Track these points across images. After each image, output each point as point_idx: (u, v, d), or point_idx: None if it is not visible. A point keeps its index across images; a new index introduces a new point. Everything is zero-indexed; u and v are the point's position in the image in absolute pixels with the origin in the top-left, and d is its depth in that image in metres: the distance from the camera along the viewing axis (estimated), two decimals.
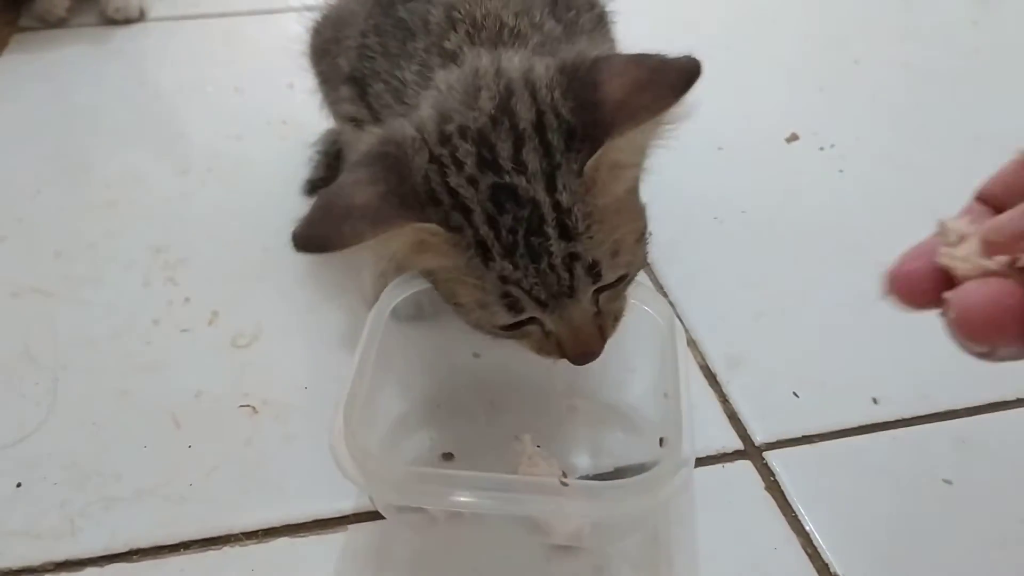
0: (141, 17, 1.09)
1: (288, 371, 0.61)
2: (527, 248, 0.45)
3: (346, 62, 0.61)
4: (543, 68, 0.47)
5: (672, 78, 0.44)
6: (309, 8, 0.70)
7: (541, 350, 0.50)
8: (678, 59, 0.44)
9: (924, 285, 0.32)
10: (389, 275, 0.60)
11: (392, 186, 0.45)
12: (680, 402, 0.48)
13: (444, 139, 0.46)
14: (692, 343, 0.63)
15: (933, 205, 0.81)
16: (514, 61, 0.49)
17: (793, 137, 0.86)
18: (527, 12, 0.54)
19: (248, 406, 0.58)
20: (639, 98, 0.44)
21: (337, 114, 0.68)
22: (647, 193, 0.51)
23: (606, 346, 0.49)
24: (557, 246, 0.45)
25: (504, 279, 0.46)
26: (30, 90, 0.96)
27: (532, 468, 0.51)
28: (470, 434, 0.56)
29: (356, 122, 0.62)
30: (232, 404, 0.58)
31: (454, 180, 0.45)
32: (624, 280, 0.49)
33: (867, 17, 1.11)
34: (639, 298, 0.56)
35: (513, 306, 0.46)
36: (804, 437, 0.56)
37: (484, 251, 0.45)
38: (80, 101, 0.94)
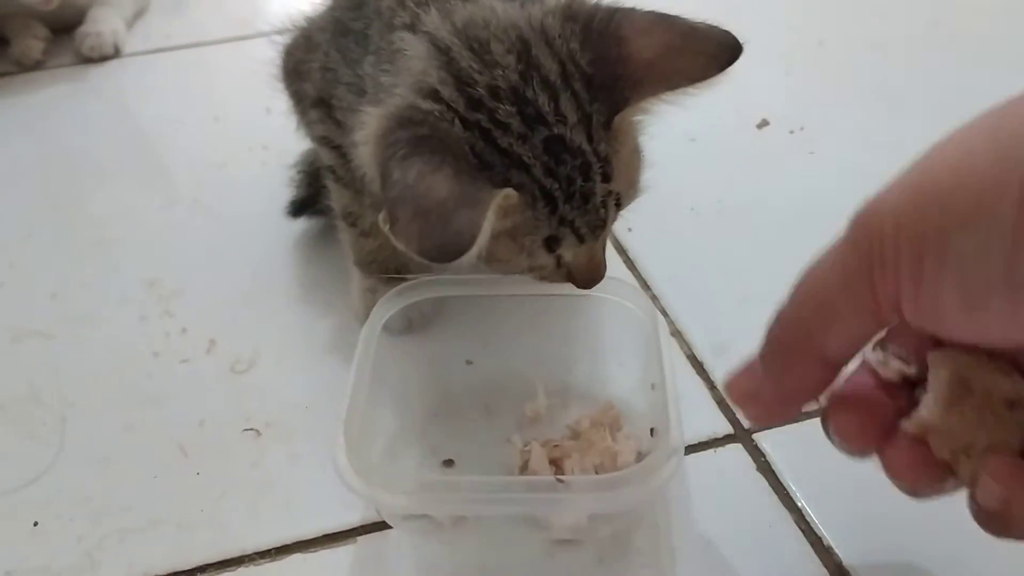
0: (116, 53, 1.10)
1: (288, 392, 0.62)
2: (581, 192, 0.47)
3: (312, 86, 0.63)
4: (548, 17, 0.48)
5: (711, 48, 0.45)
6: (280, 32, 0.72)
7: (547, 279, 0.53)
8: (710, 28, 0.46)
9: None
10: (378, 290, 0.62)
11: (452, 164, 0.44)
12: (667, 391, 0.50)
13: (475, 104, 0.46)
14: (677, 333, 0.65)
15: None
16: (502, 10, 0.49)
17: (764, 123, 0.88)
18: None
19: (252, 429, 0.60)
20: (674, 63, 0.46)
21: (311, 136, 0.70)
22: None
23: (592, 345, 0.51)
24: (600, 188, 0.48)
25: (562, 222, 0.48)
26: (12, 134, 0.97)
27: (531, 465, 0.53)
28: (468, 439, 0.58)
29: (327, 141, 0.63)
30: (236, 429, 0.60)
31: (503, 141, 0.46)
32: None
33: None
34: (621, 295, 0.58)
35: (554, 247, 0.49)
36: None
37: (551, 201, 0.47)
38: (62, 141, 0.96)
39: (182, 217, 0.82)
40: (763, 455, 0.56)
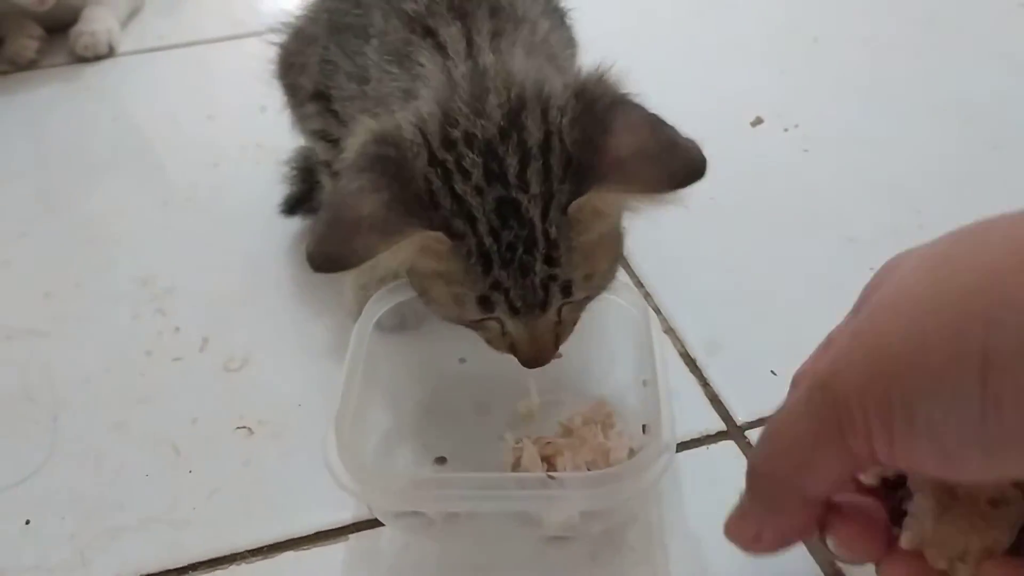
0: (111, 53, 1.11)
1: (280, 390, 0.62)
2: (519, 263, 0.46)
3: (308, 80, 0.63)
4: (560, 87, 0.47)
5: (676, 167, 0.44)
6: (274, 30, 0.72)
7: (492, 343, 0.52)
8: (689, 148, 0.44)
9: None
10: (371, 287, 0.62)
11: (395, 192, 0.45)
12: (659, 388, 0.50)
13: (448, 144, 0.46)
14: (671, 331, 0.65)
15: (897, 178, 0.83)
16: (526, 66, 0.49)
17: (758, 121, 0.88)
18: None
19: (244, 427, 0.60)
20: (638, 167, 0.45)
21: (305, 131, 0.70)
22: None
23: (584, 343, 0.51)
24: (540, 268, 0.47)
25: (495, 286, 0.47)
26: (6, 133, 0.97)
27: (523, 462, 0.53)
28: (460, 437, 0.57)
29: (323, 135, 0.63)
30: (228, 427, 0.60)
31: (460, 187, 0.46)
32: (590, 298, 0.51)
33: None
34: (614, 292, 0.57)
35: (487, 308, 0.48)
36: None
37: (486, 260, 0.46)
38: (57, 140, 0.96)
39: (176, 215, 0.82)
40: None
